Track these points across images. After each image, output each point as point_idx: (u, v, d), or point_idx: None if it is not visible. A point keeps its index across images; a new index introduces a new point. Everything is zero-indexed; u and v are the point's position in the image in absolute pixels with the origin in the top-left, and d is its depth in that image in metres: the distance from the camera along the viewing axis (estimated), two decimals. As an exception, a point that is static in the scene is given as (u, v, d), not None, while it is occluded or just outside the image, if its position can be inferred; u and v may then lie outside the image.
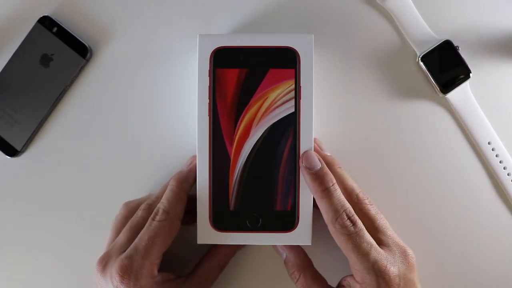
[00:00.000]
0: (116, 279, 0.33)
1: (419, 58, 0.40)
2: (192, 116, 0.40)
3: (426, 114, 0.41)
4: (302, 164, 0.35)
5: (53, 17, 0.41)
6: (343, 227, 0.33)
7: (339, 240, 0.34)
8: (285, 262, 0.37)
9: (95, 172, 0.41)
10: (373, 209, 0.36)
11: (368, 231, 0.34)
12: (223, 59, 0.35)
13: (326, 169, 0.35)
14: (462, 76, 0.40)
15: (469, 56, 0.40)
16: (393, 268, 0.33)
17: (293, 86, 0.35)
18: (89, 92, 0.42)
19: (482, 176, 0.41)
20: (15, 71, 0.41)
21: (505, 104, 0.41)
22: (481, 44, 0.41)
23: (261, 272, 0.41)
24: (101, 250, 0.36)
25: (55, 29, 0.41)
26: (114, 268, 0.33)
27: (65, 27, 0.41)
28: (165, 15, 0.41)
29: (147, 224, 0.35)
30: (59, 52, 0.41)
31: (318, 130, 0.40)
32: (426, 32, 0.40)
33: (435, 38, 0.40)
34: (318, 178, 0.35)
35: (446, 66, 0.40)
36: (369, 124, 0.41)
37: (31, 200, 0.42)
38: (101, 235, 0.38)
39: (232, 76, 0.35)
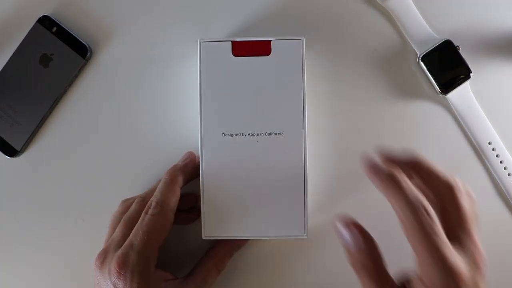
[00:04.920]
0: (114, 275, 0.32)
1: (419, 58, 0.40)
2: (190, 114, 0.40)
3: (426, 114, 0.41)
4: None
5: (53, 17, 0.41)
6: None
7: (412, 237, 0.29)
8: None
9: (95, 172, 0.41)
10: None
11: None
12: None
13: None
14: (462, 76, 0.40)
15: (469, 56, 0.40)
16: (465, 271, 0.28)
17: None
18: (89, 92, 0.42)
19: (483, 176, 0.41)
20: (15, 71, 0.41)
21: (505, 104, 0.41)
22: (482, 44, 0.41)
23: (260, 274, 0.41)
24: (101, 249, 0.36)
25: (54, 29, 0.41)
26: (112, 264, 0.33)
27: (64, 27, 0.41)
28: (164, 15, 0.41)
29: (140, 218, 0.34)
30: (59, 52, 0.41)
31: (318, 131, 0.40)
32: (426, 31, 0.40)
33: (435, 37, 0.40)
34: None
35: (446, 66, 0.40)
36: (369, 124, 0.41)
37: (31, 200, 0.42)
38: (101, 235, 0.38)
39: None
